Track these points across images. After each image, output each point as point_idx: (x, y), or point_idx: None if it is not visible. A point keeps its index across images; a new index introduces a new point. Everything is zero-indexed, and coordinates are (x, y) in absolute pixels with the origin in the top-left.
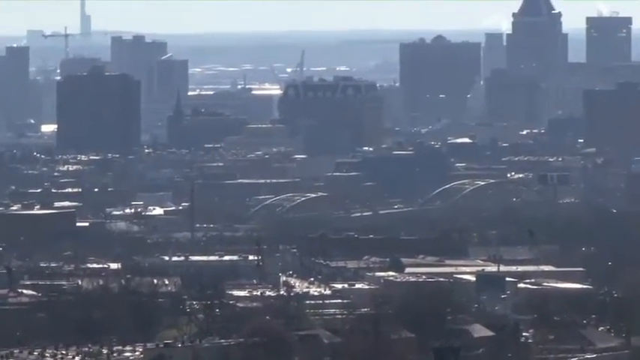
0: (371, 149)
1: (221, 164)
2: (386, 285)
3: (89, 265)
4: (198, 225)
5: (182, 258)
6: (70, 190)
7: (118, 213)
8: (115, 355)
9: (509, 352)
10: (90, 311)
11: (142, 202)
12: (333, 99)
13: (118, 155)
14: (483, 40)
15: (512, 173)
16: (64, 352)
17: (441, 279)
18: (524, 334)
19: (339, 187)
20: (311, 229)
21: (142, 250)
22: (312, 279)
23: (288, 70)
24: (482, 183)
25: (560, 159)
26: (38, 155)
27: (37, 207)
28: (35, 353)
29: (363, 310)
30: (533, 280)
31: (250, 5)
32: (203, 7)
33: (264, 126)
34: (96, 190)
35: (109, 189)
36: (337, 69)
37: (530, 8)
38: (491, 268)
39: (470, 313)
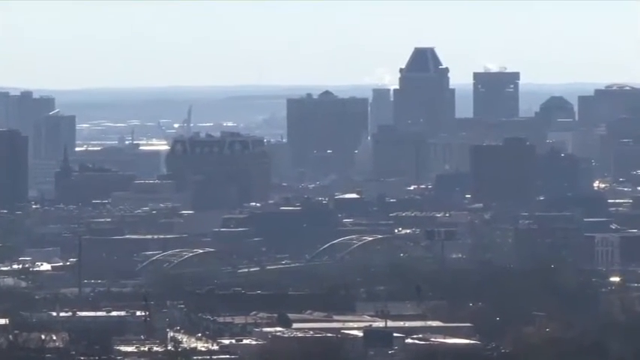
0: (258, 205)
1: (108, 220)
2: (273, 340)
3: None
4: (85, 280)
5: (70, 313)
6: None
7: (5, 269)
8: None
9: None
10: None
11: (29, 258)
12: (221, 154)
13: (5, 211)
14: (371, 95)
15: (400, 229)
16: None
17: (329, 334)
18: None
19: (227, 242)
20: (198, 284)
21: (29, 305)
22: (199, 334)
23: (176, 125)
24: (370, 238)
25: (447, 214)
26: None
27: None
28: None
29: None
30: (420, 336)
31: (137, 61)
32: (90, 62)
33: (151, 181)
34: None
35: None
36: (224, 124)
37: (418, 64)
38: (379, 324)
39: None
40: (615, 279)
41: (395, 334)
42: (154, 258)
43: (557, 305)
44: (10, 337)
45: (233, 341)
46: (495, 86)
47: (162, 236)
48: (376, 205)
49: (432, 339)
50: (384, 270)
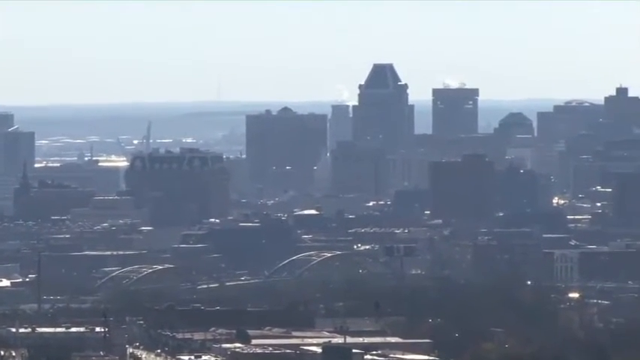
0: (217, 221)
1: (68, 236)
2: (233, 356)
3: None
4: (45, 297)
5: (29, 330)
6: None
7: None
8: None
9: None
10: None
11: None
12: (180, 171)
13: None
14: (330, 111)
15: (359, 245)
16: None
17: (288, 350)
18: None
19: (186, 258)
20: (158, 300)
21: None
22: (158, 350)
23: (135, 141)
24: (329, 255)
25: (406, 230)
26: None
27: None
28: None
29: None
30: (380, 352)
31: (96, 77)
32: (49, 79)
33: (110, 198)
34: None
35: None
36: (183, 141)
37: (377, 80)
38: (338, 340)
39: None
40: (574, 295)
41: (354, 350)
42: (114, 274)
43: (516, 321)
44: None
45: (192, 357)
46: (454, 102)
47: (121, 252)
48: (335, 221)
49: (391, 355)
50: (343, 286)
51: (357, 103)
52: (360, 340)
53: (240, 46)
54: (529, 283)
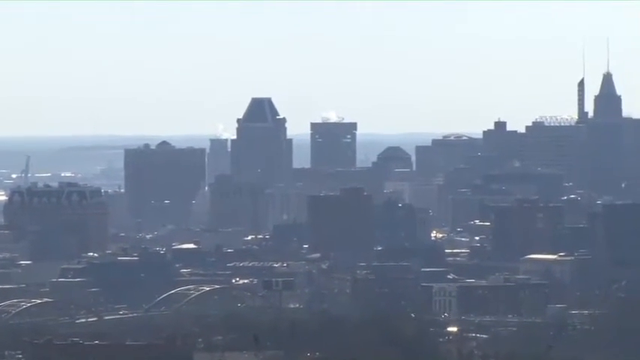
0: (96, 255)
1: None
2: None
3: None
4: None
5: None
6: None
7: None
8: None
9: None
10: None
11: None
12: (58, 205)
13: None
14: (208, 145)
15: (238, 279)
16: None
17: None
18: None
19: (65, 292)
20: (36, 334)
21: None
22: None
23: (13, 176)
24: (208, 288)
25: (285, 264)
26: None
27: None
28: None
29: None
30: None
31: None
32: None
33: None
34: None
35: None
36: (62, 175)
37: (255, 114)
38: None
39: None
40: (453, 329)
41: None
42: None
43: (395, 354)
44: None
45: None
46: (333, 136)
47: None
48: (214, 255)
49: None
50: (222, 320)
51: (235, 137)
52: None
53: (118, 79)
54: (408, 316)
